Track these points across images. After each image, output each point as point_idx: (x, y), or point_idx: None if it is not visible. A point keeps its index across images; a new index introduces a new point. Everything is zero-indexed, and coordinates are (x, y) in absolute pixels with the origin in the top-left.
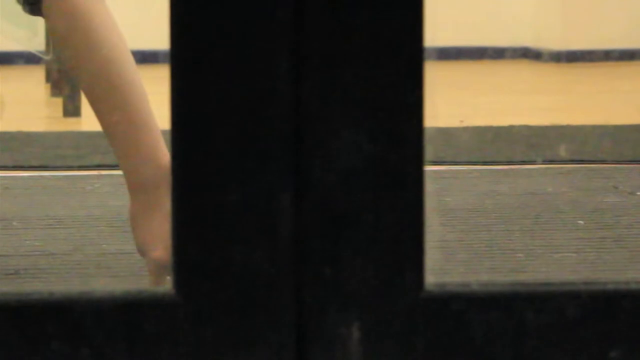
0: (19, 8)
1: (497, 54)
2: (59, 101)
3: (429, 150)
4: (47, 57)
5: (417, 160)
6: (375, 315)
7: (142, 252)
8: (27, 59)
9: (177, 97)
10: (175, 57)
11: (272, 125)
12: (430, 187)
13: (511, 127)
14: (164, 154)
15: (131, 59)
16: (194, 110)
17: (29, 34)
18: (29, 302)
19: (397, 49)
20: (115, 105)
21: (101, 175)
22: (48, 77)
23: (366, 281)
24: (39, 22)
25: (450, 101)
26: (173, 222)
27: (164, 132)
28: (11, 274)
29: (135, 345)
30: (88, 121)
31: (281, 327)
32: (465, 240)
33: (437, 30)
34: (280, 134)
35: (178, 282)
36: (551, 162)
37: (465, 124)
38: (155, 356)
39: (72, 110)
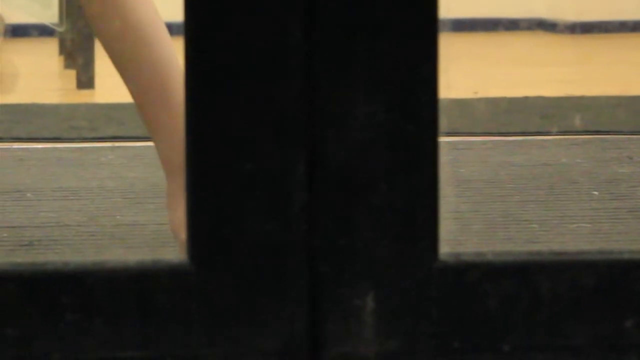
0: None
1: (511, 25)
2: (72, 73)
3: (443, 121)
4: (60, 29)
5: (431, 131)
6: (390, 286)
7: (175, 233)
8: (41, 30)
9: (191, 69)
10: (189, 30)
11: (285, 97)
12: (444, 158)
13: (526, 98)
14: None
15: (167, 36)
16: (208, 83)
17: (42, 5)
18: (43, 273)
19: (412, 20)
20: (149, 85)
21: (115, 147)
22: (61, 49)
23: (380, 252)
24: None
25: (464, 72)
26: (187, 192)
27: None
28: (25, 245)
29: (149, 316)
30: (102, 93)
31: (294, 297)
32: (479, 211)
33: (451, 2)
34: (293, 105)
35: (192, 253)
36: (566, 133)
37: (479, 95)
38: (169, 326)
39: (85, 82)
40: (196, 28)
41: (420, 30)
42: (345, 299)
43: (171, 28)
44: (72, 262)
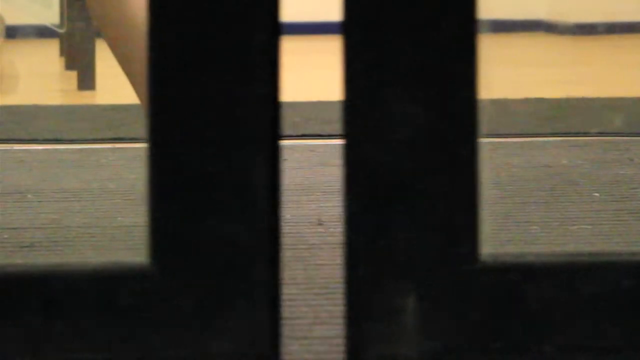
0: None
1: (512, 26)
2: (73, 74)
3: None
4: (61, 30)
5: (471, 130)
6: (431, 287)
7: None
8: (42, 32)
9: (154, 66)
10: (153, 29)
11: (250, 97)
12: None
13: (526, 100)
14: None
15: None
16: (173, 81)
17: (42, 6)
18: (2, 275)
19: (449, 19)
20: None
21: (115, 148)
22: (62, 50)
23: (421, 252)
24: None
25: None
26: (149, 192)
27: None
28: (26, 246)
29: (110, 317)
30: (103, 94)
31: (257, 297)
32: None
33: None
34: (258, 104)
35: (154, 254)
36: (566, 134)
37: (479, 97)
38: (130, 328)
39: (86, 83)
40: (161, 25)
41: (459, 29)
42: (386, 300)
43: None
44: (31, 264)
